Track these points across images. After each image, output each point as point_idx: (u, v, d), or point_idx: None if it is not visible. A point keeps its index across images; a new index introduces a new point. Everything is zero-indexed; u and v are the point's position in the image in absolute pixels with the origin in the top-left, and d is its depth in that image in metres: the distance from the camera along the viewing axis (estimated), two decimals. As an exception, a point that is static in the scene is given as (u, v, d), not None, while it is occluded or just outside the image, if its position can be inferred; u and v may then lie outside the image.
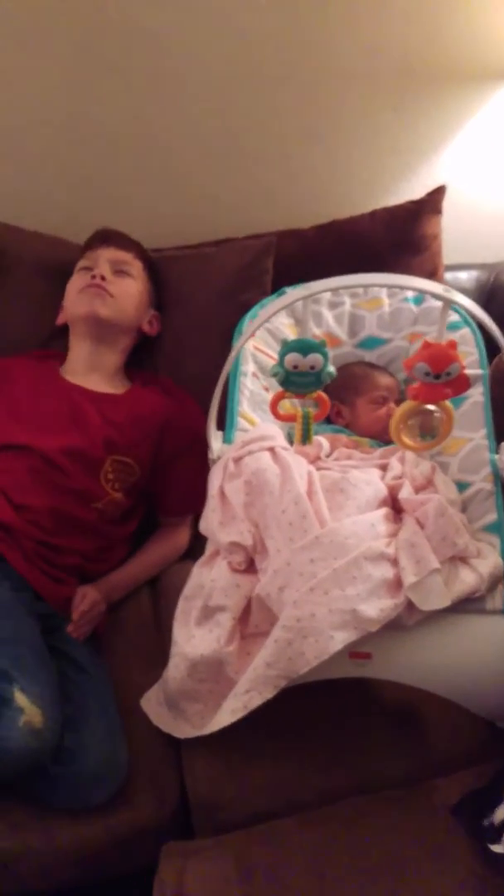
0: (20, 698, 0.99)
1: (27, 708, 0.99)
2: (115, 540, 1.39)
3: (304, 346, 0.96)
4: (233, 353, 1.05)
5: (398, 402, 1.37)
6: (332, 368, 0.99)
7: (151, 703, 1.15)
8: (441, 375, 0.95)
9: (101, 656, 1.25)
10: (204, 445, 1.40)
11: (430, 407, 0.99)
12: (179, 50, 1.58)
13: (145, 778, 1.10)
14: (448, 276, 1.69)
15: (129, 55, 1.57)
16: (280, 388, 1.03)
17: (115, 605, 1.34)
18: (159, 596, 1.39)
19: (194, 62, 1.59)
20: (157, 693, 1.16)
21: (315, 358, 0.97)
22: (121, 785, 1.07)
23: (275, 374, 0.99)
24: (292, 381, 0.99)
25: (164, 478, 1.43)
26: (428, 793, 1.06)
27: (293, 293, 0.97)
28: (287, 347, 0.96)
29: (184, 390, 1.50)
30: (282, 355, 0.97)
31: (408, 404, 0.99)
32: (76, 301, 1.45)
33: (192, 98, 1.62)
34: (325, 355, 0.97)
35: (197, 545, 1.44)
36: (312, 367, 0.97)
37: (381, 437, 1.33)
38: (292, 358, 0.97)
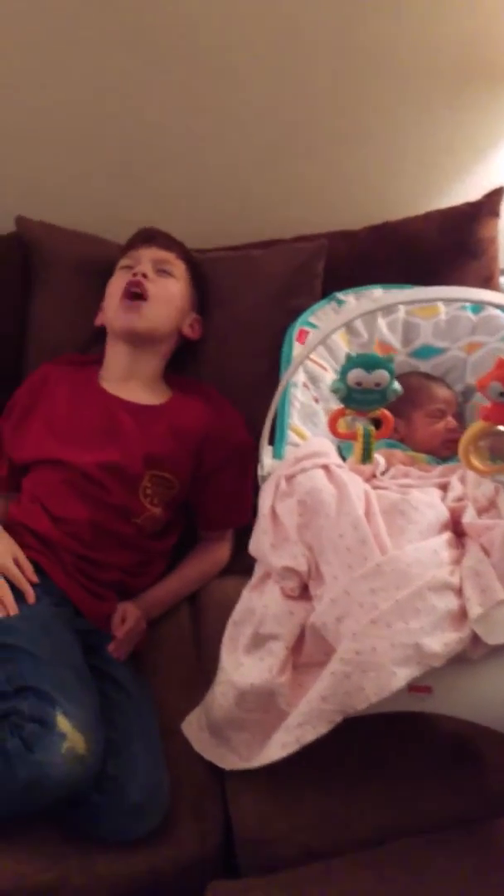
0: (62, 723, 0.95)
1: (70, 733, 0.95)
2: (154, 554, 1.34)
3: (368, 362, 0.91)
4: (290, 370, 0.99)
5: (456, 415, 1.31)
6: (397, 385, 0.93)
7: (193, 728, 1.11)
8: (517, 396, 0.89)
9: (141, 676, 1.21)
10: (246, 457, 1.37)
11: (502, 428, 0.93)
12: (230, 43, 1.52)
13: (188, 809, 1.05)
14: (503, 280, 1.62)
15: (179, 49, 1.52)
16: (336, 403, 0.97)
17: (153, 622, 1.30)
18: (199, 612, 1.35)
19: (246, 56, 1.54)
20: (200, 717, 1.11)
21: (380, 374, 0.91)
22: (164, 817, 1.02)
23: (336, 391, 0.94)
24: (354, 398, 0.93)
25: (204, 491, 1.38)
26: (489, 834, 1.01)
27: (360, 305, 0.91)
28: (350, 363, 0.91)
29: (227, 399, 1.44)
30: (344, 371, 0.92)
31: (478, 425, 0.93)
32: (114, 315, 1.40)
33: (241, 93, 1.57)
34: (391, 371, 0.91)
35: (236, 559, 1.40)
36: (377, 384, 0.92)
37: (439, 453, 1.27)
38: (356, 374, 0.91)
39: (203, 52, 1.52)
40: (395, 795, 1.04)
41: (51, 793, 0.93)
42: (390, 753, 1.07)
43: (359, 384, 0.92)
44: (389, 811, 1.04)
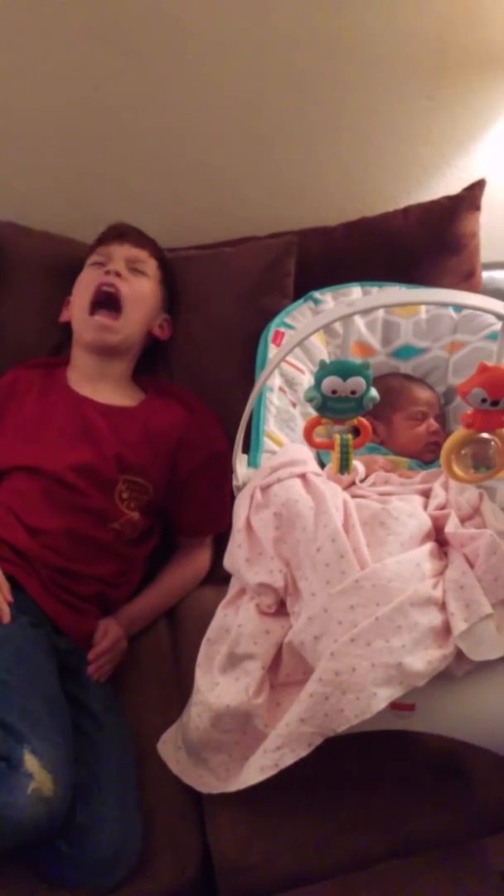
0: (30, 762, 0.90)
1: (37, 773, 0.89)
2: (133, 561, 1.30)
3: (343, 369, 0.85)
4: (265, 374, 0.95)
5: (438, 418, 1.28)
6: (374, 392, 0.88)
7: (169, 748, 1.07)
8: (499, 402, 0.85)
9: (117, 697, 1.16)
10: (224, 462, 1.32)
11: (485, 436, 0.89)
12: (198, 33, 1.47)
13: (164, 837, 1.01)
14: (484, 275, 1.58)
15: (144, 40, 1.46)
16: (312, 411, 0.92)
17: (131, 638, 1.25)
18: (177, 626, 1.31)
19: (214, 46, 1.49)
20: (176, 736, 1.07)
21: (356, 382, 0.86)
22: (134, 866, 0.97)
23: (310, 400, 0.89)
24: (330, 406, 0.88)
25: (181, 497, 1.34)
26: (476, 854, 0.98)
27: (335, 310, 0.86)
28: (324, 370, 0.86)
29: (201, 400, 1.40)
30: (318, 378, 0.87)
31: (460, 433, 0.89)
32: (82, 324, 1.36)
33: (210, 84, 1.52)
34: (367, 378, 0.86)
35: (215, 568, 1.36)
36: (353, 392, 0.87)
37: (421, 457, 1.23)
38: (330, 382, 0.86)
39: (170, 42, 1.47)
40: (377, 816, 1.01)
41: (12, 835, 0.88)
42: (372, 772, 1.04)
43: (334, 392, 0.87)
44: (374, 832, 1.00)
